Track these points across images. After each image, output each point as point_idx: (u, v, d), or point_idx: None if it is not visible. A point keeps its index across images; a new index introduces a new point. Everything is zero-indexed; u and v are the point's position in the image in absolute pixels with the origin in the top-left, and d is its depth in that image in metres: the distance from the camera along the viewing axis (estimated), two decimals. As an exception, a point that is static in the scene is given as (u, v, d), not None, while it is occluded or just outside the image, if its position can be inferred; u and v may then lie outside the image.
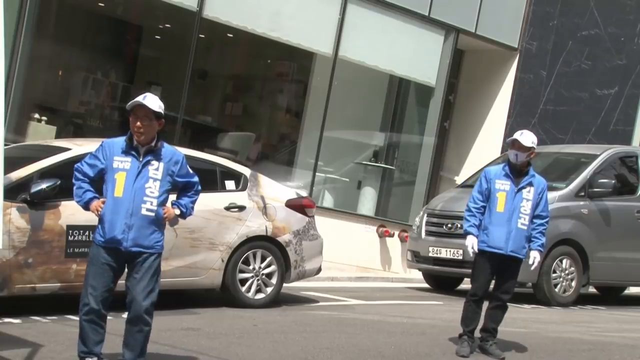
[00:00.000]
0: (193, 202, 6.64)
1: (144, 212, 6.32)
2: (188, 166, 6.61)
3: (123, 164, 6.39)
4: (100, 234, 6.41)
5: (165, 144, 6.52)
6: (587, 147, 14.59)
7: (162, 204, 6.41)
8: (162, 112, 6.45)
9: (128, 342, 6.44)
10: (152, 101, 6.42)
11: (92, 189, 6.47)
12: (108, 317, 6.54)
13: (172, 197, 6.66)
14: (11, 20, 11.63)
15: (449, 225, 12.80)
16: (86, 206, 6.49)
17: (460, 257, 12.42)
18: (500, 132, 17.09)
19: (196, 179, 6.65)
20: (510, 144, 8.24)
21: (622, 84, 17.58)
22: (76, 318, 8.40)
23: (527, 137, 8.17)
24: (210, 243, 9.51)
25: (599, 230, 12.68)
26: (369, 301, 11.80)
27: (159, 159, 6.42)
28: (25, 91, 12.94)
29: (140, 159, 6.39)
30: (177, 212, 6.54)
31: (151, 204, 6.35)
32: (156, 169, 6.40)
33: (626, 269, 13.02)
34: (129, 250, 6.34)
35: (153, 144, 6.43)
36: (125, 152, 6.42)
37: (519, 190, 8.17)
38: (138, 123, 6.39)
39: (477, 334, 8.41)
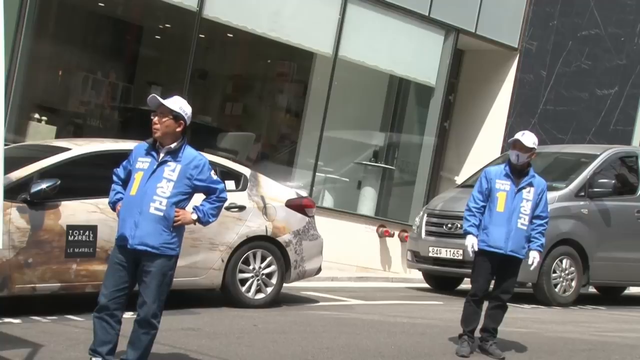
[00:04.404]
0: (214, 209, 6.58)
1: (151, 210, 6.32)
2: (212, 172, 6.59)
3: (143, 164, 6.45)
4: (117, 232, 6.48)
5: (188, 147, 6.51)
6: (587, 147, 14.58)
7: (174, 205, 6.38)
8: (183, 113, 6.44)
9: (133, 342, 6.45)
10: (173, 101, 6.48)
11: (123, 191, 6.57)
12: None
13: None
14: (11, 20, 11.62)
15: (449, 225, 12.80)
16: (113, 207, 6.64)
17: (460, 257, 12.41)
18: (500, 132, 17.10)
19: (220, 185, 6.59)
20: (512, 144, 8.24)
21: (622, 84, 17.58)
22: (76, 318, 8.46)
23: (528, 138, 8.18)
24: (210, 243, 9.51)
25: (599, 230, 12.67)
26: (369, 301, 11.80)
27: (177, 161, 6.42)
28: (25, 91, 12.94)
29: (158, 159, 6.41)
30: (195, 216, 6.51)
31: (160, 204, 6.33)
32: (172, 170, 6.39)
33: (626, 269, 13.02)
34: (135, 248, 6.33)
35: (174, 145, 6.44)
36: (147, 152, 6.48)
37: (519, 190, 8.18)
38: (155, 119, 6.44)
39: (477, 334, 8.41)
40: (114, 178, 6.68)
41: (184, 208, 6.46)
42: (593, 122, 17.51)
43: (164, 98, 6.53)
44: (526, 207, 8.18)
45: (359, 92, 16.22)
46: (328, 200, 15.37)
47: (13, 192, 8.25)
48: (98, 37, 15.33)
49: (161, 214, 6.34)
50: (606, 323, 11.39)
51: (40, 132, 12.89)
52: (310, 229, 10.45)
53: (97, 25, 15.35)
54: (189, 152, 6.50)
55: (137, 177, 6.42)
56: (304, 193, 11.61)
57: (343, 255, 14.27)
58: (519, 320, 10.22)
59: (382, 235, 15.41)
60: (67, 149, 9.02)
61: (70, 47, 14.63)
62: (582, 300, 12.74)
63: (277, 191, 10.38)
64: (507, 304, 8.45)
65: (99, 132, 14.00)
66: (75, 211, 8.62)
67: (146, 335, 6.43)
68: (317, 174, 14.95)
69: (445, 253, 12.76)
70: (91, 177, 8.95)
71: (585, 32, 17.53)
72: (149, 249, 6.33)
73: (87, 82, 14.63)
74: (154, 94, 6.52)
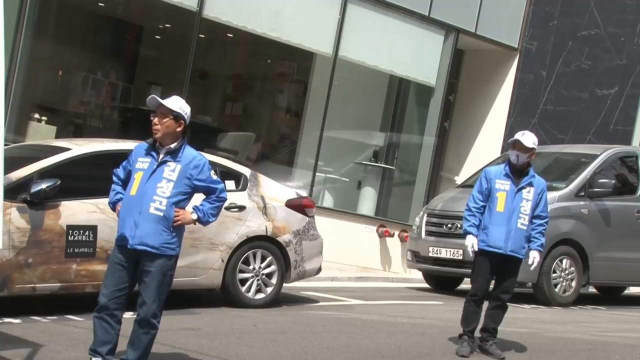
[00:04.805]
0: (214, 209, 6.58)
1: (151, 210, 6.32)
2: (212, 172, 6.60)
3: (143, 164, 6.45)
4: (116, 232, 6.48)
5: (188, 147, 6.51)
6: (587, 147, 14.58)
7: (174, 205, 6.38)
8: (183, 113, 6.45)
9: (133, 342, 6.46)
10: (172, 101, 6.49)
11: (123, 191, 6.57)
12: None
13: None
14: (11, 20, 11.63)
15: (449, 225, 12.80)
16: (113, 207, 6.64)
17: (460, 257, 12.41)
18: (500, 132, 17.10)
19: (220, 185, 6.60)
20: (512, 144, 8.24)
21: (622, 84, 17.57)
22: (76, 318, 8.47)
23: (528, 138, 8.18)
24: (210, 243, 9.51)
25: (599, 230, 12.67)
26: (369, 301, 11.80)
27: (176, 161, 6.42)
28: (25, 91, 12.94)
29: (158, 159, 6.42)
30: (195, 216, 6.52)
31: (160, 204, 6.34)
32: (172, 170, 6.40)
33: (626, 269, 13.02)
34: (135, 248, 6.33)
35: (173, 145, 6.44)
36: (147, 152, 6.48)
37: (519, 190, 8.18)
38: (155, 120, 6.44)
39: (477, 333, 8.41)
40: (114, 178, 6.68)
41: (183, 208, 6.47)
42: (593, 122, 17.50)
43: (162, 98, 6.53)
44: (526, 207, 8.18)
45: (359, 92, 16.22)
46: (328, 200, 15.37)
47: (13, 192, 8.25)
48: (98, 37, 15.34)
49: (161, 214, 6.34)
50: (606, 323, 11.39)
51: (40, 132, 12.89)
52: (310, 229, 10.45)
53: (97, 25, 15.35)
54: (188, 152, 6.50)
55: (137, 177, 6.42)
56: (304, 193, 11.61)
57: (343, 255, 14.27)
58: (519, 320, 10.22)
59: (382, 235, 15.41)
60: (67, 149, 9.02)
61: (70, 47, 14.64)
62: (582, 300, 12.74)
63: (277, 191, 10.38)
64: (507, 304, 8.45)
65: (99, 132, 14.01)
66: (75, 211, 8.63)
67: (146, 335, 6.43)
68: (317, 174, 14.95)
69: (445, 253, 12.76)
70: (91, 177, 8.95)
71: (585, 32, 17.52)
72: (149, 249, 6.33)
73: (87, 82, 14.63)
74: (153, 95, 6.52)
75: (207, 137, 14.55)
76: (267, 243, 10.00)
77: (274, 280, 10.03)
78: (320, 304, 11.02)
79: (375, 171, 16.06)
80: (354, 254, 14.83)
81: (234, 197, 9.68)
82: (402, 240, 15.33)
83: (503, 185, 8.20)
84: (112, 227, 7.89)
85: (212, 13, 13.61)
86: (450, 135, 17.68)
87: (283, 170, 14.70)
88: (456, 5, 16.09)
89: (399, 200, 16.37)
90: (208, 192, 6.59)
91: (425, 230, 13.18)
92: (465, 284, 12.46)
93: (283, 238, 10.09)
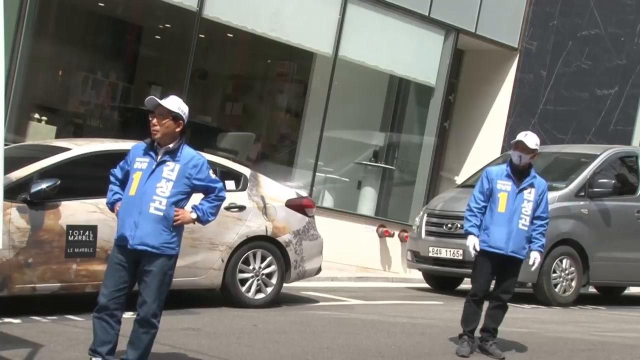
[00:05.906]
0: (213, 208, 6.60)
1: (151, 210, 6.32)
2: (210, 171, 6.60)
3: (141, 164, 6.45)
4: (116, 232, 6.48)
5: (187, 147, 6.51)
6: (587, 147, 14.57)
7: (174, 205, 6.39)
8: (182, 113, 6.45)
9: (133, 342, 6.46)
10: (171, 101, 6.49)
11: (121, 191, 6.57)
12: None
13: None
14: (11, 20, 11.63)
15: (449, 225, 12.80)
16: (111, 207, 6.64)
17: (460, 257, 12.41)
18: (500, 132, 17.10)
19: (219, 184, 6.61)
20: (514, 145, 8.24)
21: (622, 84, 17.57)
22: (76, 318, 8.47)
23: (531, 139, 8.18)
24: (210, 243, 9.51)
25: (599, 230, 12.67)
26: (369, 301, 11.80)
27: (175, 160, 6.43)
28: (25, 91, 12.94)
29: (157, 159, 6.41)
30: (194, 216, 6.53)
31: (160, 204, 6.34)
32: (171, 170, 6.40)
33: (626, 269, 13.02)
34: (135, 248, 6.33)
35: (172, 145, 6.44)
36: (145, 152, 6.49)
37: (520, 191, 8.18)
38: (154, 121, 6.45)
39: (477, 333, 8.41)
40: (111, 179, 6.68)
41: (183, 207, 6.47)
42: (593, 122, 17.50)
43: (161, 99, 6.52)
44: (527, 207, 8.18)
45: (359, 92, 16.22)
46: (328, 200, 15.37)
47: (13, 192, 8.25)
48: (98, 37, 15.33)
49: (161, 213, 6.35)
50: (606, 323, 11.40)
51: (40, 132, 12.89)
52: (310, 229, 10.45)
53: (97, 25, 15.35)
54: (187, 151, 6.51)
55: (136, 177, 6.42)
56: (304, 193, 11.61)
57: (343, 255, 14.27)
58: (519, 320, 10.22)
59: (382, 235, 15.41)
60: (67, 149, 9.02)
61: (70, 47, 14.64)
62: (582, 300, 12.74)
63: (277, 191, 10.38)
64: (508, 304, 8.45)
65: (99, 132, 14.01)
66: (75, 211, 8.63)
67: (146, 335, 6.44)
68: (317, 174, 14.95)
69: (445, 253, 12.75)
70: (91, 177, 8.94)
71: (585, 32, 17.52)
72: (149, 248, 6.34)
73: (87, 82, 14.63)
74: (152, 96, 6.52)
75: (207, 137, 14.55)
76: (267, 243, 10.00)
77: (274, 280, 10.03)
78: (320, 304, 11.02)
79: (375, 171, 16.06)
80: (354, 254, 14.83)
81: (234, 197, 9.68)
82: (402, 240, 15.33)
83: (504, 186, 8.19)
84: (112, 227, 7.88)
85: (212, 13, 13.61)
86: (450, 135, 17.68)
87: (283, 170, 14.70)
88: (456, 5, 16.10)
89: (399, 200, 16.37)
90: (207, 191, 6.59)
91: (425, 230, 13.18)
92: (465, 284, 12.46)
93: (283, 238, 10.09)
